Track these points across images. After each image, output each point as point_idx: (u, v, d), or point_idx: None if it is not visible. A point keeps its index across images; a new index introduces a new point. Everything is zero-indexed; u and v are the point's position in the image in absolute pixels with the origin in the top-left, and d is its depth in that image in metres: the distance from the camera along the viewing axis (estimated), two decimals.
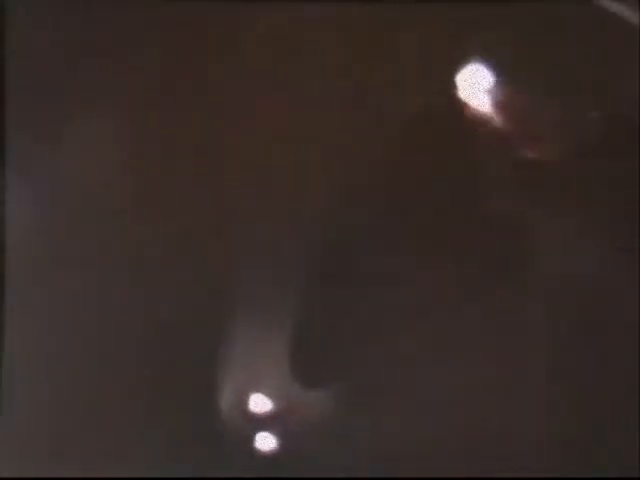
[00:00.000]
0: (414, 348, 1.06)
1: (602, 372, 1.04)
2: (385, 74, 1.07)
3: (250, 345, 1.09)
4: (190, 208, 1.09)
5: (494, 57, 1.05)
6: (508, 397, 1.05)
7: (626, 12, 1.03)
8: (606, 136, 1.06)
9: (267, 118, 1.08)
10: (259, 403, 1.09)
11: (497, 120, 1.06)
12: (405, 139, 1.08)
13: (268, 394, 1.09)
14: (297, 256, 1.08)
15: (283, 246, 1.08)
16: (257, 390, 1.09)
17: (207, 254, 1.09)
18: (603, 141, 1.05)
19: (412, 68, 1.07)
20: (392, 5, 1.07)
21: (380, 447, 1.05)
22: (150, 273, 1.09)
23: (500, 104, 1.06)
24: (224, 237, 1.10)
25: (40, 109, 1.09)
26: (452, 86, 1.07)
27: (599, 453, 1.03)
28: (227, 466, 1.07)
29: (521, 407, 1.05)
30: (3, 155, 1.07)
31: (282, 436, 1.08)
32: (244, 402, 1.09)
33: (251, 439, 1.08)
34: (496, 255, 1.06)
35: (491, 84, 1.06)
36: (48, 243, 1.10)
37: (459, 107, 1.07)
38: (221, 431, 1.09)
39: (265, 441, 1.08)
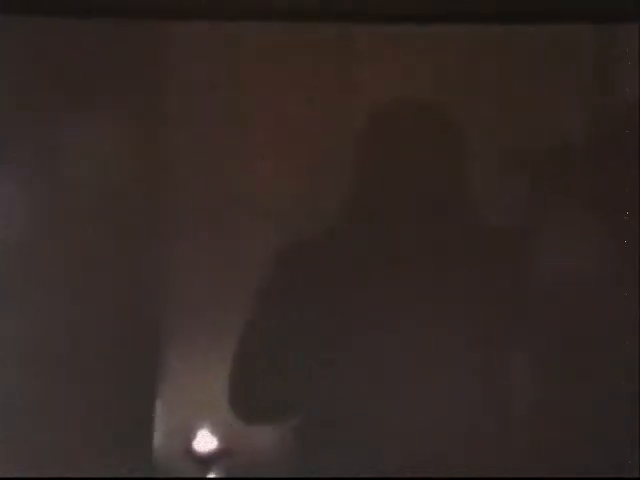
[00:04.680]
0: (363, 382, 1.04)
1: (602, 372, 1.04)
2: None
3: (190, 381, 1.06)
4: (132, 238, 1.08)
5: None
6: (506, 398, 1.05)
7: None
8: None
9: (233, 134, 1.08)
10: (202, 442, 1.06)
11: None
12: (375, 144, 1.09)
13: (211, 432, 1.06)
14: (238, 287, 1.06)
15: (225, 278, 1.06)
16: (199, 429, 1.06)
17: (147, 289, 1.07)
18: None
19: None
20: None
21: None
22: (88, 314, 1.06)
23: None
24: (164, 275, 1.07)
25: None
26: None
27: (599, 453, 1.03)
28: None
29: (520, 408, 1.05)
30: None
31: (228, 474, 1.05)
32: (186, 441, 1.06)
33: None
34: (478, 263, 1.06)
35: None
36: None
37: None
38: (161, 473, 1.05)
39: None
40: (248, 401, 1.06)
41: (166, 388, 1.06)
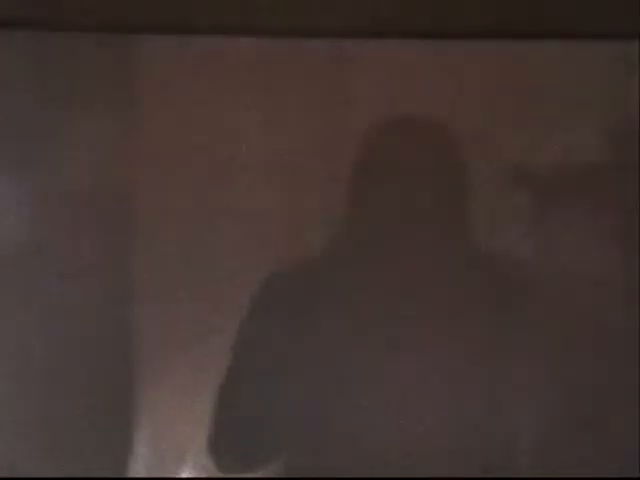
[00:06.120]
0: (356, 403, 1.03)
1: (602, 373, 1.05)
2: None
3: (168, 428, 1.05)
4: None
5: None
6: (507, 399, 1.05)
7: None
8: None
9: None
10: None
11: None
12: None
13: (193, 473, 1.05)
14: (223, 320, 1.04)
15: (208, 307, 1.05)
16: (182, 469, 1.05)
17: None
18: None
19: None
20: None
21: None
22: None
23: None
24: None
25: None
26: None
27: (599, 453, 1.04)
28: None
29: (520, 408, 1.05)
30: None
31: None
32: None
33: None
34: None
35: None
36: None
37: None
38: None
39: None
40: (226, 452, 1.05)
41: (145, 427, 1.06)
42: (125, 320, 1.06)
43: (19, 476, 1.04)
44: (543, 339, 1.05)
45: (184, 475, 1.05)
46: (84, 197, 1.08)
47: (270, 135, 1.06)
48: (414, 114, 1.08)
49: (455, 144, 1.08)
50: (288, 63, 1.07)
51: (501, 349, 1.05)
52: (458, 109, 1.07)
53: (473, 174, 1.07)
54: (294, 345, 1.05)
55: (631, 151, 1.07)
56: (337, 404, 1.04)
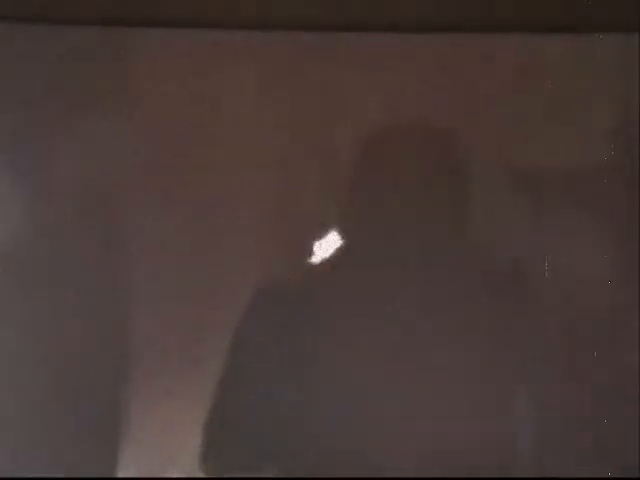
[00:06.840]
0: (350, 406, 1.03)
1: (602, 373, 1.05)
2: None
3: (163, 430, 1.05)
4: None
5: None
6: (507, 399, 1.06)
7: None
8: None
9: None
10: None
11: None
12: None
13: None
14: (216, 330, 1.04)
15: (201, 318, 1.04)
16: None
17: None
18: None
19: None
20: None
21: None
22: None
23: None
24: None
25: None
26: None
27: (599, 453, 1.04)
28: None
29: (520, 409, 1.06)
30: None
31: None
32: None
33: None
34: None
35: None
36: None
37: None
38: None
39: None
40: (217, 460, 1.05)
41: (139, 429, 1.06)
42: (122, 320, 1.06)
43: (19, 476, 1.04)
44: (543, 339, 1.05)
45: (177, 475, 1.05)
46: (82, 196, 1.07)
47: (268, 130, 1.06)
48: (413, 113, 1.08)
49: (455, 144, 1.08)
50: (288, 56, 1.06)
51: (501, 349, 1.05)
52: (458, 108, 1.07)
53: (473, 175, 1.07)
54: (293, 345, 1.04)
55: (631, 151, 1.07)
56: (337, 405, 1.04)
